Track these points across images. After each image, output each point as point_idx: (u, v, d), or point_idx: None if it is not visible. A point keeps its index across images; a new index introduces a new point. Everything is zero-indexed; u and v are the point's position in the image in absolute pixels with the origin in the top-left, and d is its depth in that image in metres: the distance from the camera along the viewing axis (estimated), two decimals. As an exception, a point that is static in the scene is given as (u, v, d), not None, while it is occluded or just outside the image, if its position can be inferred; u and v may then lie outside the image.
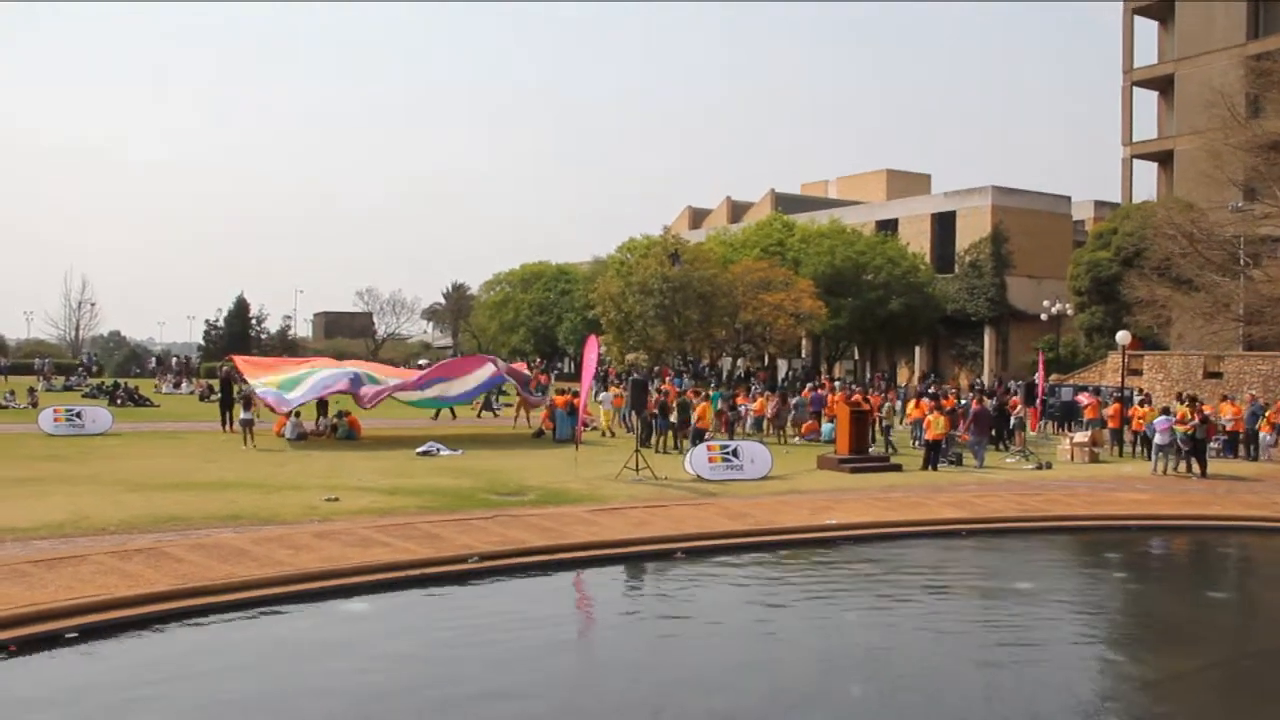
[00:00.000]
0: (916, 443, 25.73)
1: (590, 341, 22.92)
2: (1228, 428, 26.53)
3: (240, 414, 26.13)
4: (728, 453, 20.88)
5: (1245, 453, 26.31)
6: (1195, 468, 22.53)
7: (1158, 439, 22.96)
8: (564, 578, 12.74)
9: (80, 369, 54.02)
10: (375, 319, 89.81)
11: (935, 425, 23.50)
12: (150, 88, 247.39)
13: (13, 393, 38.28)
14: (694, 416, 25.83)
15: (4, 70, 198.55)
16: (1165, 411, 24.15)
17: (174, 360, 71.20)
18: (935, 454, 23.44)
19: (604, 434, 30.30)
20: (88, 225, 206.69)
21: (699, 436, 24.81)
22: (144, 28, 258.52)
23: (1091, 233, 50.80)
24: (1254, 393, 30.85)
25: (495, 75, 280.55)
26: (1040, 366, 32.06)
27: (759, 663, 9.65)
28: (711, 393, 34.20)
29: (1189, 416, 23.07)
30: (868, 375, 56.35)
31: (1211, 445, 25.48)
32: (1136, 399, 30.35)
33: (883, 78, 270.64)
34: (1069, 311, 46.73)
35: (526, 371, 36.90)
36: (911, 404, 29.30)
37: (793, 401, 30.81)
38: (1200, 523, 16.99)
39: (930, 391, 34.10)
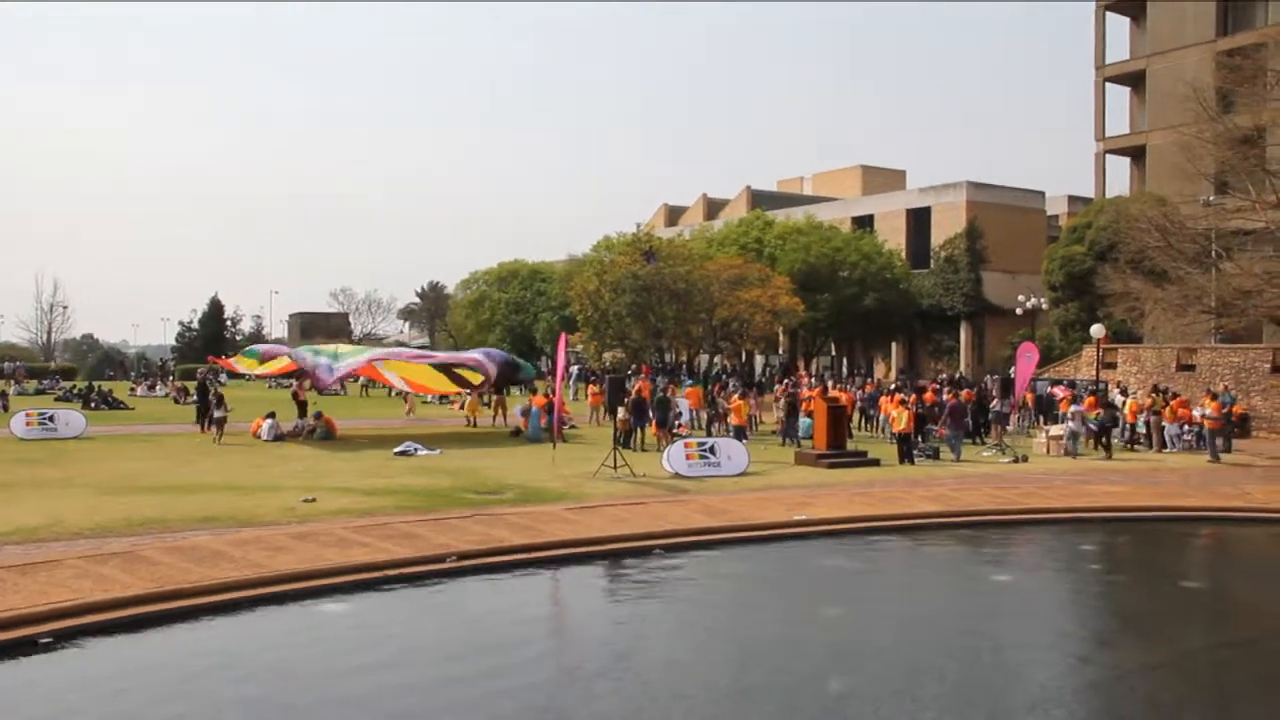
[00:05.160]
0: (891, 439, 25.95)
1: (562, 339, 23.70)
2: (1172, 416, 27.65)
3: (214, 411, 26.01)
4: (705, 450, 20.94)
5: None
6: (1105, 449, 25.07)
7: (1070, 425, 25.39)
8: (543, 575, 12.74)
9: None
10: (351, 319, 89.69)
11: (899, 420, 23.79)
12: (128, 89, 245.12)
13: None
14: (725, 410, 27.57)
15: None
16: (1076, 401, 27.09)
17: (140, 363, 69.92)
18: (908, 447, 23.61)
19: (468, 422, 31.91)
20: (60, 227, 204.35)
21: (740, 434, 24.98)
22: (123, 29, 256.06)
23: (1065, 227, 51.14)
24: (1226, 384, 31.19)
25: (472, 76, 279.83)
26: (1019, 358, 27.57)
27: (737, 658, 9.69)
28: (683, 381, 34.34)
29: (1096, 405, 26.36)
30: (844, 370, 56.57)
31: (1184, 438, 26.49)
32: (1118, 393, 30.60)
33: (858, 75, 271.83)
34: (1044, 306, 47.03)
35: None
36: (885, 399, 29.54)
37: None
38: (1174, 514, 17.18)
39: (895, 386, 34.23)
